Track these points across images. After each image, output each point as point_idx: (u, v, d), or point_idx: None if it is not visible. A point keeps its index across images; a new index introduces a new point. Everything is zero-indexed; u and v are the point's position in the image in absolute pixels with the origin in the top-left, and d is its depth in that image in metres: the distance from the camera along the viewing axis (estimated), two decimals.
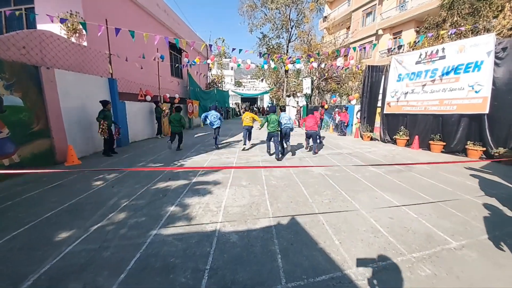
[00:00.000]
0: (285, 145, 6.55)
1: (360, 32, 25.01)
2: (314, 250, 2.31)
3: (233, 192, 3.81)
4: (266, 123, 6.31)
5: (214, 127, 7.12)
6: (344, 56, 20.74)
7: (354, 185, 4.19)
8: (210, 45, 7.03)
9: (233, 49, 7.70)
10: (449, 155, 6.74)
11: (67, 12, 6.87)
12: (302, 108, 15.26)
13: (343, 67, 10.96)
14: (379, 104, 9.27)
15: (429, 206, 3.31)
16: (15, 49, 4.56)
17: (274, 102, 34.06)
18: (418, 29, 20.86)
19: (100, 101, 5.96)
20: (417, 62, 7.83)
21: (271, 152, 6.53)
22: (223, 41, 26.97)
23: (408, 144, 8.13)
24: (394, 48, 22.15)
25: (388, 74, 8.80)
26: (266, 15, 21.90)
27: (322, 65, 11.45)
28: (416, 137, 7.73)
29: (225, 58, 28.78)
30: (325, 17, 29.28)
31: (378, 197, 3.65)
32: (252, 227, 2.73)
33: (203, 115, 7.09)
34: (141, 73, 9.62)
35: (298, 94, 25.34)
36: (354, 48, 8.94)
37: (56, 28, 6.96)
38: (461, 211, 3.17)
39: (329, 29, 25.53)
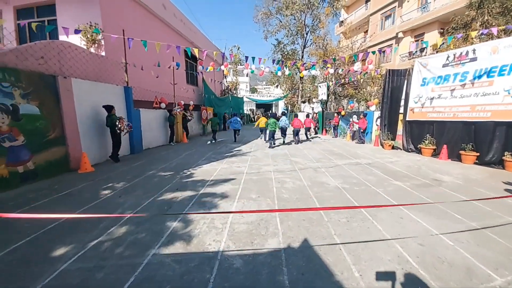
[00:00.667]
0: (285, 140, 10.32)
1: (379, 36, 24.20)
2: (329, 283, 1.98)
3: (241, 206, 3.56)
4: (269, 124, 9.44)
5: (236, 129, 10.88)
6: (362, 60, 20.11)
7: (375, 201, 3.78)
8: (223, 53, 6.97)
9: (247, 58, 7.59)
10: (484, 167, 6.04)
11: (87, 23, 7.15)
12: (318, 114, 14.80)
13: (361, 71, 10.46)
14: (401, 110, 8.67)
15: (466, 230, 2.84)
16: (33, 59, 4.72)
17: (289, 108, 33.73)
18: (442, 30, 19.80)
19: (104, 107, 6.04)
20: (444, 65, 7.23)
21: (273, 143, 9.30)
22: (238, 48, 27.33)
23: (435, 154, 7.46)
24: (416, 51, 21.17)
25: (410, 78, 8.23)
26: (281, 21, 21.94)
27: (340, 71, 11.01)
28: (444, 146, 7.07)
29: (240, 65, 29.06)
30: (342, 21, 28.76)
31: (404, 217, 3.22)
32: (259, 249, 2.46)
33: (228, 121, 9.92)
34: (156, 81, 9.82)
35: (314, 100, 24.86)
36: (374, 52, 8.48)
37: (77, 39, 7.26)
38: (504, 237, 2.67)
39: (346, 33, 24.99)
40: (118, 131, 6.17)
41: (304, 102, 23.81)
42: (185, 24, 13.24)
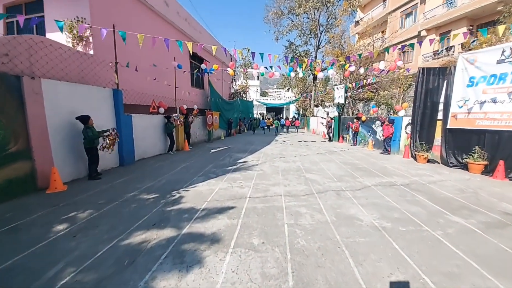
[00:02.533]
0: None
1: (399, 35, 22.50)
2: None
3: (236, 264, 2.38)
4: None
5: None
6: (379, 61, 18.51)
7: (438, 255, 2.48)
8: (224, 48, 5.95)
9: (253, 53, 6.51)
10: None
11: (74, 19, 6.32)
12: (333, 120, 13.42)
13: (388, 71, 9.10)
14: (440, 116, 7.22)
15: None
16: None
17: (301, 111, 32.27)
18: (471, 28, 17.94)
19: (77, 118, 5.04)
20: (500, 61, 5.79)
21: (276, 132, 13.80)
22: (248, 51, 26.34)
23: (487, 171, 5.97)
24: (442, 50, 19.35)
25: (452, 78, 6.79)
26: (293, 21, 20.81)
27: (362, 70, 9.71)
28: (501, 162, 5.59)
29: (250, 68, 28.09)
30: (357, 21, 27.22)
31: None
32: None
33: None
34: (155, 84, 8.92)
35: (326, 104, 23.38)
36: (412, 45, 7.14)
37: (63, 37, 6.46)
38: None
39: (364, 33, 23.48)
40: (101, 149, 5.25)
41: (317, 106, 22.39)
42: (190, 24, 12.40)
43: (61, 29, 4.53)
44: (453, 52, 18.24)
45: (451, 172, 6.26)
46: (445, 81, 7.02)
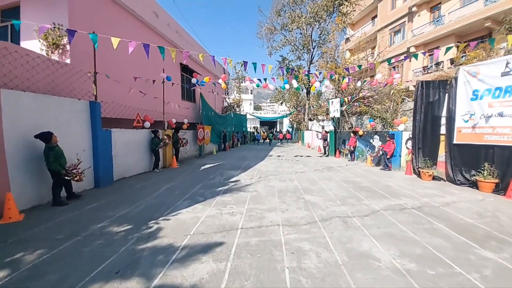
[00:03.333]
0: None
1: (389, 51, 23.03)
2: None
3: None
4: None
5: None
6: (371, 76, 18.64)
7: None
8: (213, 56, 5.50)
9: (245, 63, 6.09)
10: None
11: (50, 25, 5.78)
12: (329, 134, 13.05)
13: (386, 83, 8.87)
14: (443, 130, 6.86)
15: None
16: None
17: (295, 125, 32.14)
18: (459, 43, 18.49)
19: (37, 136, 4.28)
20: (504, 74, 5.52)
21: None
22: (241, 65, 26.39)
23: (498, 189, 5.53)
24: (432, 66, 19.78)
25: (453, 91, 6.51)
26: (285, 37, 21.05)
27: (359, 83, 9.47)
28: None
29: (243, 82, 28.03)
30: (347, 38, 27.94)
31: None
32: None
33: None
34: (142, 96, 8.32)
35: (319, 117, 23.27)
36: (416, 56, 6.88)
37: (36, 44, 5.89)
38: None
39: (355, 49, 23.98)
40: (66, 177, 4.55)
41: (311, 119, 22.20)
42: (181, 36, 12.10)
43: (17, 26, 3.93)
44: (442, 67, 18.64)
45: (461, 191, 5.79)
46: (446, 94, 6.74)
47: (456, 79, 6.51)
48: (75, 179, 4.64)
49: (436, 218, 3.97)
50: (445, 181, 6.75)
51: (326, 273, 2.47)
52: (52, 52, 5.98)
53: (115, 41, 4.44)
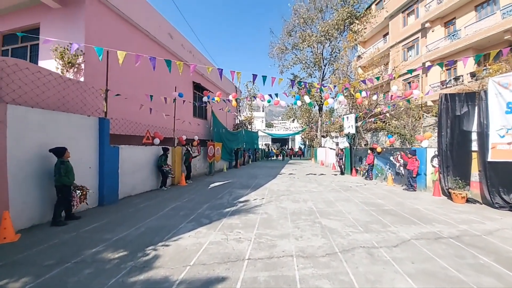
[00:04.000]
0: None
1: (403, 67, 22.62)
2: None
3: None
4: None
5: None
6: (386, 92, 18.15)
7: None
8: (221, 70, 5.37)
9: (255, 76, 5.91)
10: None
11: (67, 45, 6.00)
12: (344, 151, 12.44)
13: (404, 97, 8.39)
14: (474, 147, 6.19)
15: None
16: None
17: (307, 142, 31.53)
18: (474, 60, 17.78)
19: (51, 150, 4.28)
20: None
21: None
22: (253, 83, 26.89)
23: None
24: (450, 80, 19.04)
25: (484, 104, 5.93)
26: (296, 55, 21.31)
27: (374, 97, 9.06)
28: None
29: (255, 99, 28.39)
30: (359, 56, 27.92)
31: None
32: None
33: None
34: (153, 113, 8.34)
35: (332, 134, 22.66)
36: (441, 64, 6.44)
37: (53, 63, 6.09)
38: None
39: (366, 66, 23.77)
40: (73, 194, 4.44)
41: (324, 136, 21.64)
42: (194, 56, 12.43)
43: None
44: (462, 81, 17.84)
45: (502, 215, 5.01)
46: (476, 107, 6.15)
47: (486, 91, 5.96)
48: (81, 197, 4.47)
49: (481, 251, 3.31)
50: (481, 203, 5.95)
51: None
52: (67, 71, 6.13)
53: (121, 55, 4.42)
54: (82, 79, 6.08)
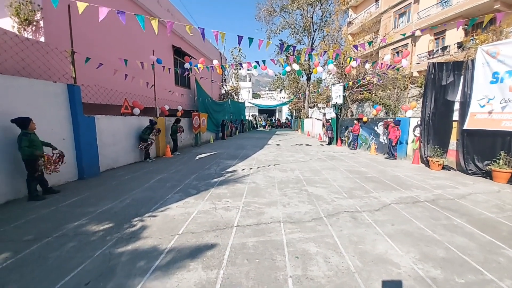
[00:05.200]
0: None
1: (393, 35, 22.10)
2: None
3: None
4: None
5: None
6: (375, 61, 17.86)
7: None
8: (202, 29, 4.83)
9: (240, 37, 5.42)
10: None
11: (21, 0, 5.09)
12: (331, 121, 12.54)
13: (393, 66, 8.26)
14: (455, 117, 6.38)
15: None
16: None
17: (294, 113, 31.49)
18: (466, 27, 17.68)
19: (13, 121, 3.85)
20: None
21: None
22: (239, 50, 25.37)
23: None
24: (437, 50, 18.99)
25: (470, 74, 5.97)
26: (285, 19, 19.98)
27: (367, 66, 8.83)
28: None
29: (241, 68, 27.08)
30: (350, 22, 26.73)
31: None
32: None
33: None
34: (131, 80, 7.67)
35: (319, 105, 22.64)
36: (435, 27, 6.24)
37: (8, 21, 5.22)
38: None
39: (357, 33, 22.94)
40: (37, 167, 4.04)
41: (311, 107, 21.57)
42: (173, 15, 11.20)
43: None
44: (449, 51, 17.87)
45: (474, 181, 5.39)
46: (462, 77, 6.20)
47: (473, 60, 5.95)
48: (48, 171, 4.14)
49: (454, 213, 3.57)
50: (455, 170, 6.35)
51: (337, 284, 2.06)
52: (24, 30, 5.31)
53: (81, 6, 3.79)
54: (42, 39, 5.31)
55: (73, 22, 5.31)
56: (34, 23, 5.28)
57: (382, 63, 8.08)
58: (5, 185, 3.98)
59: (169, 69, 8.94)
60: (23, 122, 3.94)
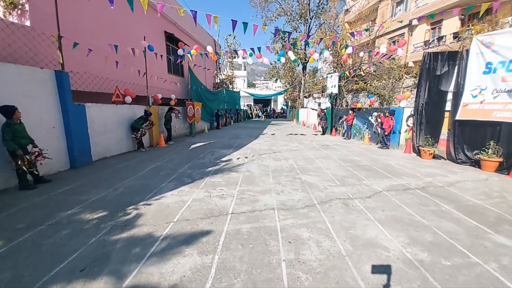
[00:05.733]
0: None
1: (391, 24, 21.86)
2: None
3: None
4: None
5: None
6: (371, 50, 17.73)
7: None
8: (195, 12, 4.66)
9: (234, 22, 5.25)
10: None
11: None
12: (326, 111, 12.55)
13: (390, 55, 8.21)
14: (448, 107, 6.46)
15: None
16: None
17: (289, 103, 31.36)
18: (463, 17, 17.59)
19: None
20: None
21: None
22: (234, 37, 24.76)
23: (502, 168, 5.30)
24: (433, 40, 18.94)
25: (464, 64, 6.00)
26: (281, 5, 19.46)
27: (361, 54, 8.75)
28: None
29: (236, 56, 26.54)
30: (347, 10, 26.26)
31: None
32: None
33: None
34: (122, 68, 7.44)
35: (315, 95, 22.57)
36: (432, 16, 6.19)
37: None
38: None
39: (354, 22, 22.61)
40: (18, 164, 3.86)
41: (306, 97, 21.48)
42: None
43: None
44: (445, 41, 17.85)
45: (463, 170, 5.55)
46: (456, 67, 6.22)
47: (468, 50, 5.96)
48: (28, 167, 3.97)
49: (443, 200, 3.69)
50: (445, 159, 6.51)
51: (329, 266, 2.13)
52: (9, 13, 5.03)
53: None
54: (28, 23, 5.04)
55: (60, 6, 5.04)
56: (19, 6, 5.00)
57: (377, 52, 8.00)
58: (3, 174, 3.89)
59: (161, 56, 8.68)
60: (8, 111, 3.78)
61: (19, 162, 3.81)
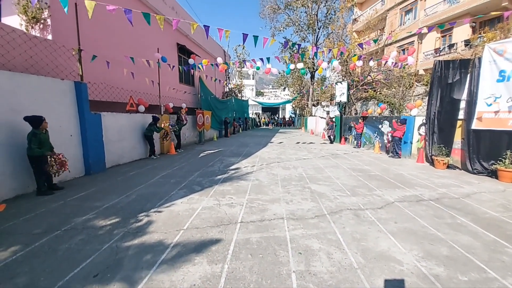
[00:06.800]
0: None
1: (399, 32, 21.83)
2: None
3: None
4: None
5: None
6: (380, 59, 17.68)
7: None
8: (207, 27, 4.85)
9: (245, 36, 5.41)
10: None
11: None
12: (334, 119, 12.48)
13: (398, 64, 8.18)
14: (461, 115, 6.31)
15: None
16: None
17: (297, 111, 31.40)
18: (474, 24, 17.36)
19: (26, 119, 3.91)
20: None
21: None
22: (243, 48, 25.34)
23: None
24: (444, 48, 18.72)
25: (477, 72, 5.89)
26: (289, 16, 19.84)
27: (371, 63, 8.75)
28: None
29: (245, 66, 27.07)
30: (355, 19, 26.45)
31: None
32: None
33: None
34: (136, 78, 7.75)
35: (323, 103, 22.54)
36: (442, 26, 6.17)
37: (16, 20, 5.31)
38: None
39: (362, 31, 22.70)
40: (47, 167, 4.10)
41: (314, 105, 21.48)
42: (178, 14, 11.24)
43: None
44: (456, 49, 17.60)
45: (479, 180, 5.35)
46: (468, 75, 6.11)
47: (480, 58, 5.86)
48: (54, 171, 4.18)
49: (459, 212, 3.56)
50: (460, 169, 6.30)
51: (340, 279, 2.09)
52: (32, 27, 5.40)
53: (89, 5, 3.82)
54: (50, 36, 5.39)
55: (80, 21, 5.38)
56: (42, 21, 5.37)
57: (386, 60, 7.96)
58: (14, 180, 4.08)
59: (173, 66, 8.98)
60: (36, 121, 4.01)
61: (51, 161, 4.02)
